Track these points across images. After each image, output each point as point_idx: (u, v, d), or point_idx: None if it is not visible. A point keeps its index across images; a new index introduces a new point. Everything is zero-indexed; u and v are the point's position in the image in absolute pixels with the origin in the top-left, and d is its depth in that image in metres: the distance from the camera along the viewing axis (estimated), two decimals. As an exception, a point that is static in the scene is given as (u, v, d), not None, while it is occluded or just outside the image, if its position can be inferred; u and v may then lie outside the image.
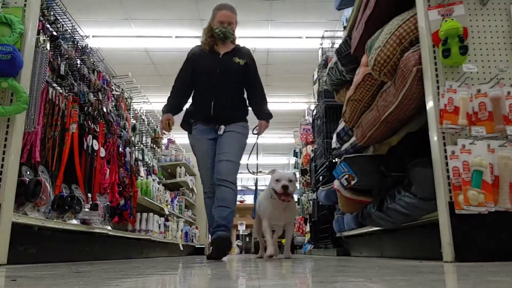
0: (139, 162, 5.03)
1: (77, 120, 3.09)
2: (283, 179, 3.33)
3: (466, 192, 1.68)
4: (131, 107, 4.97)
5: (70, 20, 3.17)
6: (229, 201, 3.17)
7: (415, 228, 2.36)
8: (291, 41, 7.56)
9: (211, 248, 3.19)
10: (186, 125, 3.41)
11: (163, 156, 7.64)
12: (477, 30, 1.94)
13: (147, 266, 2.04)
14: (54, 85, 2.88)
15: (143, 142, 5.48)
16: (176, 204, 7.43)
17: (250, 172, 3.88)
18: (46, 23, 2.86)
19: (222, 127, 3.30)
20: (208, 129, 3.32)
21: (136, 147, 4.97)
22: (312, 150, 5.90)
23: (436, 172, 1.83)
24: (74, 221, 2.98)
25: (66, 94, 3.02)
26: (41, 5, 2.64)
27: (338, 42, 4.72)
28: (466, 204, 1.67)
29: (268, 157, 15.72)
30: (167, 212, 6.25)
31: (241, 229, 12.32)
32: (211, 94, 3.31)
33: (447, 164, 1.77)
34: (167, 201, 6.62)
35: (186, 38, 7.22)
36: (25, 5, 2.23)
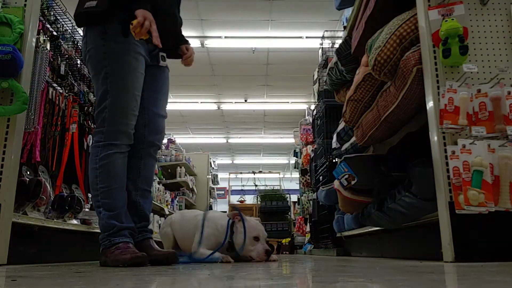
0: (139, 162, 5.03)
1: (77, 120, 3.09)
2: (262, 236, 2.47)
3: (466, 192, 1.68)
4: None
5: (70, 20, 3.17)
6: (152, 182, 2.28)
7: (415, 228, 2.36)
8: (291, 41, 7.56)
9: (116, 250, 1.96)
10: (116, 17, 1.97)
11: (163, 156, 7.65)
12: (477, 30, 1.94)
13: (147, 265, 2.03)
14: (54, 85, 2.88)
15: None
16: (176, 204, 7.44)
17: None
18: (46, 23, 2.86)
19: (165, 56, 2.28)
20: (146, 47, 2.13)
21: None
22: (312, 150, 5.90)
23: (436, 172, 1.83)
24: (74, 221, 2.98)
25: (66, 94, 3.02)
26: (41, 5, 2.64)
27: (338, 42, 4.72)
28: (466, 204, 1.67)
29: (268, 157, 15.73)
30: (167, 212, 6.25)
31: (241, 229, 12.32)
32: (175, 3, 2.26)
33: (447, 164, 1.77)
34: (167, 201, 6.62)
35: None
36: (25, 5, 2.23)
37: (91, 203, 3.26)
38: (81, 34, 3.45)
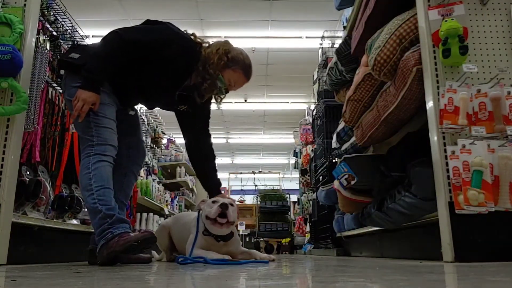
0: (139, 162, 5.03)
1: (77, 120, 3.09)
2: (221, 200, 2.35)
3: (466, 192, 1.68)
4: (131, 107, 4.96)
5: (70, 20, 3.17)
6: (129, 197, 2.55)
7: (415, 228, 2.36)
8: (291, 41, 7.56)
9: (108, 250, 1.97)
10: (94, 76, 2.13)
11: (163, 156, 7.65)
12: (477, 30, 1.94)
13: (147, 266, 2.04)
14: (54, 85, 2.88)
15: (143, 142, 5.48)
16: (176, 204, 7.43)
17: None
18: (46, 23, 2.86)
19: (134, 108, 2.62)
20: (116, 106, 2.33)
21: (136, 147, 4.95)
22: (312, 150, 5.90)
23: (436, 172, 1.83)
24: (74, 221, 2.98)
25: (66, 94, 3.02)
26: (41, 5, 2.64)
27: (338, 42, 4.72)
28: (466, 204, 1.67)
29: (268, 157, 15.73)
30: (167, 212, 6.25)
31: (241, 229, 12.32)
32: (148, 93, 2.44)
33: (447, 164, 1.77)
34: (167, 201, 6.62)
35: (186, 38, 7.23)
36: (25, 5, 2.23)
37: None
38: (81, 34, 3.46)
